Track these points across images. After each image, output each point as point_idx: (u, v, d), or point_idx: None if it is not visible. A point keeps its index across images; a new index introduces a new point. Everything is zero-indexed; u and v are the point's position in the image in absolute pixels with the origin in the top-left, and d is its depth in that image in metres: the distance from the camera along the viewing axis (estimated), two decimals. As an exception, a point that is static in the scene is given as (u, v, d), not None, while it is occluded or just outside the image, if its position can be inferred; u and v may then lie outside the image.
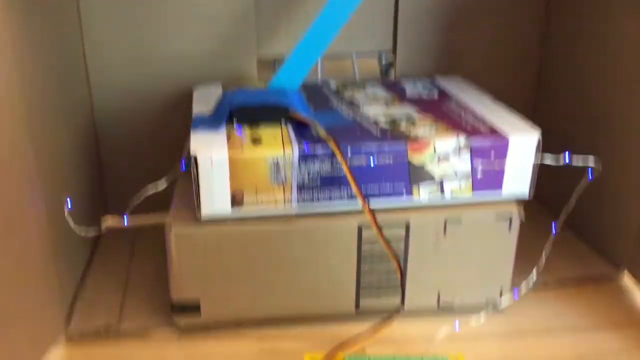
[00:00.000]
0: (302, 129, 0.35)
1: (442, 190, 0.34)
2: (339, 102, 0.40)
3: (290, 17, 0.45)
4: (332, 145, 0.32)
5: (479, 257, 0.36)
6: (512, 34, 0.48)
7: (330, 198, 0.34)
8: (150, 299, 0.38)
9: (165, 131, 0.45)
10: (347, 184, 0.33)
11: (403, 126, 0.36)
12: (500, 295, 0.37)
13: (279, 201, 0.33)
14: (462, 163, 0.34)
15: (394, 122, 0.36)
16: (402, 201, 0.34)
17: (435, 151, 0.34)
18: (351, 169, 0.33)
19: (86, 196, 0.42)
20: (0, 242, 0.29)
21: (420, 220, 0.35)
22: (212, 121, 0.36)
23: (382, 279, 0.36)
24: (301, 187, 0.33)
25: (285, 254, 0.34)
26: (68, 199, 0.36)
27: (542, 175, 0.35)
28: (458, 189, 0.35)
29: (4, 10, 0.29)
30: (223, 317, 0.36)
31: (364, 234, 0.34)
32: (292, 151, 0.32)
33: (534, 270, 0.35)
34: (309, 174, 0.33)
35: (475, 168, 0.34)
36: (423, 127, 0.35)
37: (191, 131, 0.35)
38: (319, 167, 0.33)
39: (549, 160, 0.34)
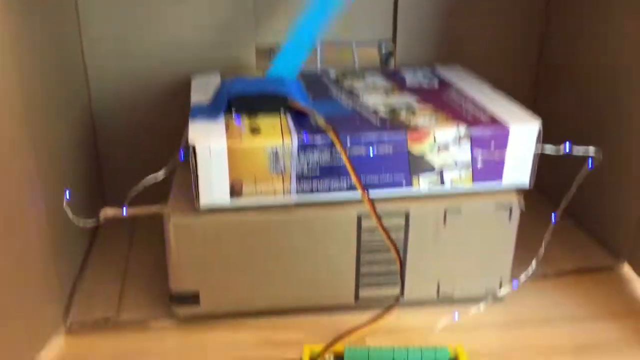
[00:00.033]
0: (301, 119, 0.35)
1: (442, 180, 0.34)
2: (339, 91, 0.40)
3: (289, 5, 0.45)
4: (331, 134, 0.32)
5: (479, 247, 0.36)
6: (512, 19, 0.47)
7: (329, 188, 0.34)
8: (149, 289, 0.38)
9: (163, 121, 0.45)
10: (346, 173, 0.33)
11: (403, 115, 0.35)
12: (500, 285, 0.37)
13: (278, 191, 0.33)
14: (462, 153, 0.34)
15: (393, 112, 0.36)
16: (401, 191, 0.34)
17: (435, 141, 0.33)
18: (350, 159, 0.32)
19: (84, 188, 0.42)
20: (0, 240, 0.29)
21: (420, 210, 0.35)
22: (210, 111, 0.36)
23: (381, 269, 0.35)
24: (300, 177, 0.33)
25: (284, 244, 0.34)
26: (67, 191, 0.36)
27: (542, 165, 0.35)
28: (458, 178, 0.34)
29: (3, 11, 0.29)
30: (222, 308, 0.36)
31: (364, 223, 0.34)
32: (291, 141, 0.32)
33: (534, 261, 0.35)
34: (308, 164, 0.33)
35: (476, 158, 0.34)
36: (423, 117, 0.35)
37: (189, 121, 0.34)
38: (318, 156, 0.33)
39: (549, 150, 0.34)
